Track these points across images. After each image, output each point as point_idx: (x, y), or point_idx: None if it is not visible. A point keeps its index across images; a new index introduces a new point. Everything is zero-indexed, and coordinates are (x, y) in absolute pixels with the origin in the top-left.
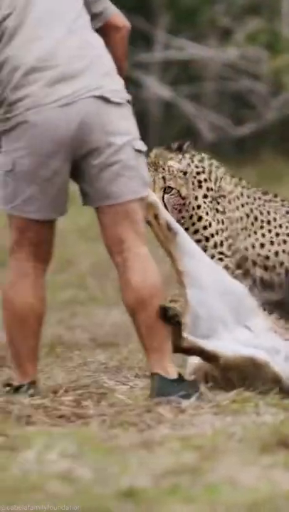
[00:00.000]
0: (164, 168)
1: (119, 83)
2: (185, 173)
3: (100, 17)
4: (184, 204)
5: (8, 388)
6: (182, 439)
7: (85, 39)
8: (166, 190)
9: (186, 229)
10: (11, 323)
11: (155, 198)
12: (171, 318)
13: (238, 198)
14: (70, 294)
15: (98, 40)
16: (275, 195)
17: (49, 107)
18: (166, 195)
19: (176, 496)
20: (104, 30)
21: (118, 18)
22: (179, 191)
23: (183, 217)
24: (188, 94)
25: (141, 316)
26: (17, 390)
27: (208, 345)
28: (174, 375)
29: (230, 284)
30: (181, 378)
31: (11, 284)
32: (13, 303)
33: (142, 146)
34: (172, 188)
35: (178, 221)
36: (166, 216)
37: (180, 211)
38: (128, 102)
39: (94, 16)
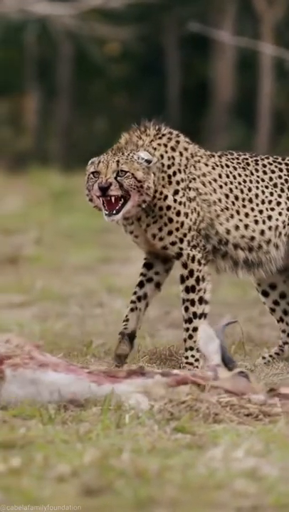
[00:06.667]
0: (123, 153)
1: None
2: (149, 162)
3: None
4: (142, 187)
5: None
6: None
7: None
8: (120, 173)
9: (160, 229)
10: None
11: None
12: None
13: (214, 181)
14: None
15: None
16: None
17: None
18: (118, 178)
19: None
20: None
21: None
22: (133, 174)
23: (144, 201)
24: None
25: None
26: None
27: None
28: None
29: None
30: None
31: None
32: None
33: None
34: (126, 172)
35: (139, 205)
36: None
37: (140, 194)
38: None
39: None
